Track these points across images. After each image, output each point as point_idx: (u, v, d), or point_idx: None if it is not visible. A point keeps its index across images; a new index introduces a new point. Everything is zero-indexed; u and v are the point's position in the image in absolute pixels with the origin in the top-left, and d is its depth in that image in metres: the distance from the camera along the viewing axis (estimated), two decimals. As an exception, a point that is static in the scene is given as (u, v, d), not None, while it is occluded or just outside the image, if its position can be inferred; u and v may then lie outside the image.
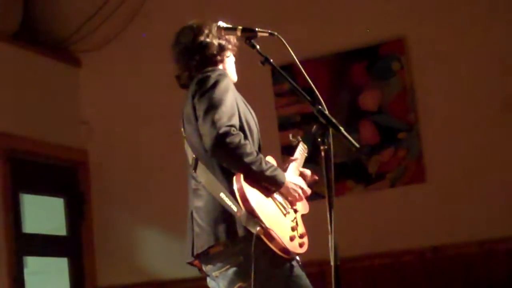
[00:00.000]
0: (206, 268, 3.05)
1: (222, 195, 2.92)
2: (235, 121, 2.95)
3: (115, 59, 6.69)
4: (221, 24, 3.05)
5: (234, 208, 2.87)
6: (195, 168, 3.05)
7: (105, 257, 6.55)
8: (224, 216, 2.92)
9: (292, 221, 3.06)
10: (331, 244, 2.60)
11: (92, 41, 6.65)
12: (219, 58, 3.23)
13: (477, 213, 5.38)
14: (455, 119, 5.58)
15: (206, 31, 3.21)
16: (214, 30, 3.17)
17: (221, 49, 3.24)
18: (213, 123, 2.88)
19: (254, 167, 2.89)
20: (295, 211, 3.12)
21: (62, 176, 6.64)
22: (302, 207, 3.20)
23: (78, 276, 6.52)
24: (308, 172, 3.38)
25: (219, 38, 3.22)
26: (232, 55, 3.32)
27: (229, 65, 3.30)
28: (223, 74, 3.09)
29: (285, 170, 3.22)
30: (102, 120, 6.72)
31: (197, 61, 3.19)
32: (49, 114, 6.41)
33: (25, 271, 6.04)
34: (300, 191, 3.12)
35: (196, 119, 3.02)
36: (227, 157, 2.91)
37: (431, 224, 5.49)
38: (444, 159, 5.57)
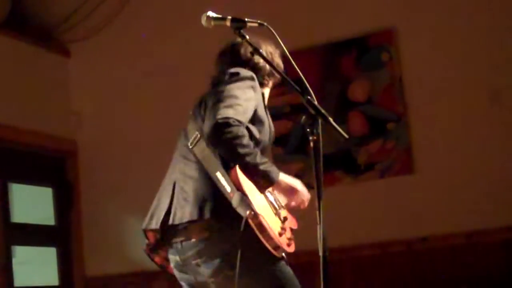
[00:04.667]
0: (175, 240, 3.04)
1: (218, 174, 2.88)
2: (242, 118, 2.90)
3: (104, 49, 6.66)
4: (210, 14, 3.03)
5: (228, 189, 2.83)
6: (195, 144, 3.01)
7: (94, 247, 6.54)
8: (214, 195, 2.87)
9: (282, 223, 3.01)
10: (319, 234, 2.61)
11: (81, 31, 6.62)
12: (265, 82, 3.26)
13: (466, 204, 5.39)
14: (444, 110, 5.59)
15: (265, 53, 3.15)
16: (275, 55, 3.20)
17: (269, 75, 3.25)
18: (219, 111, 2.85)
19: (248, 159, 2.85)
20: (285, 218, 3.04)
21: (51, 165, 6.63)
22: (291, 221, 3.13)
23: (66, 265, 6.52)
24: None
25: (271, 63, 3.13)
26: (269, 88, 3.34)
27: (266, 93, 3.31)
28: (255, 78, 3.07)
29: None
30: (91, 110, 6.70)
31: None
32: (38, 104, 6.39)
33: (13, 260, 6.04)
34: (298, 187, 3.09)
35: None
36: (222, 145, 2.86)
37: (420, 215, 5.51)
38: (432, 150, 5.58)
